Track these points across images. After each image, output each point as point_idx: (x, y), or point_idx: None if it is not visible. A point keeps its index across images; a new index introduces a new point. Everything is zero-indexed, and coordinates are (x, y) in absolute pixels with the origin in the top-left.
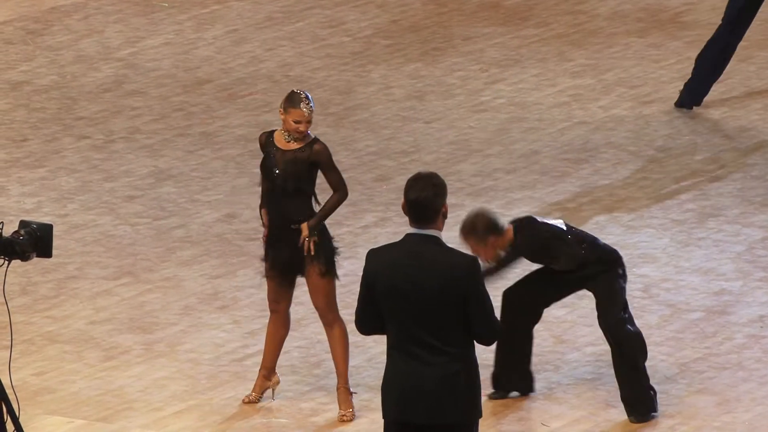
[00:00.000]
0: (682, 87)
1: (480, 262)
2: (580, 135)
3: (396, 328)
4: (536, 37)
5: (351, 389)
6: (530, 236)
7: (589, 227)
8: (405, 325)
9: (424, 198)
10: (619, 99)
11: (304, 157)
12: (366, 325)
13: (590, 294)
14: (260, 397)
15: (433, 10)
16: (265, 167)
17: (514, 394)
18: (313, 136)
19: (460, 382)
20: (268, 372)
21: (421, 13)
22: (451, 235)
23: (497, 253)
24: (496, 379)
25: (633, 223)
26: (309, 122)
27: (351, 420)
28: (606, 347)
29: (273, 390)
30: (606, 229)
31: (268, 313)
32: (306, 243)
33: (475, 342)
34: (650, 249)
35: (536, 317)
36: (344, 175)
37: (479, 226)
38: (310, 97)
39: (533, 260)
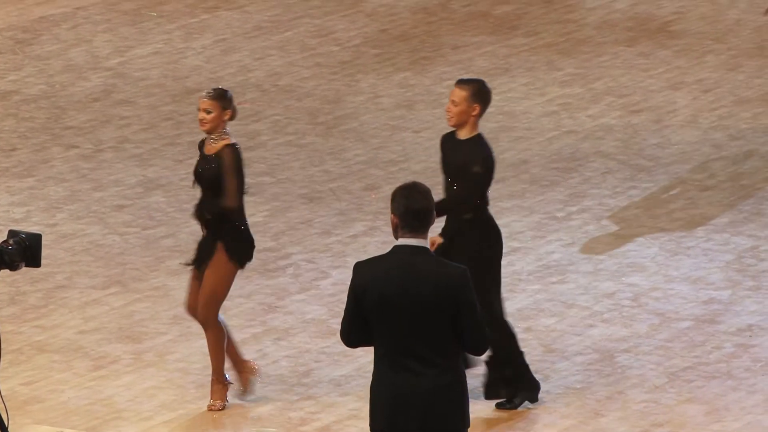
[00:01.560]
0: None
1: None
2: (569, 144)
3: (386, 339)
4: (525, 46)
5: (226, 381)
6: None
7: (579, 236)
8: (395, 337)
9: (427, 207)
10: (608, 108)
11: None
12: (353, 338)
13: (580, 303)
14: (248, 388)
15: (422, 19)
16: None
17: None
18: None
19: (450, 393)
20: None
21: (410, 22)
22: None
23: None
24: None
25: (622, 232)
26: (206, 112)
27: (218, 410)
28: (596, 356)
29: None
30: (595, 238)
31: (256, 322)
32: None
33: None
34: (639, 258)
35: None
36: (333, 185)
37: None
38: (215, 91)
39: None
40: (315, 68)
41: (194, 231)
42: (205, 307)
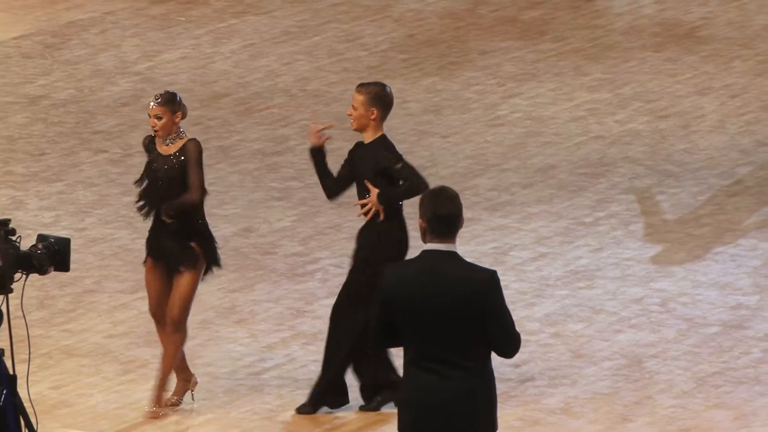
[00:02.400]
0: None
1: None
2: (597, 149)
3: (414, 343)
4: (553, 51)
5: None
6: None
7: (606, 241)
8: (423, 341)
9: (455, 212)
10: (636, 113)
11: None
12: (382, 341)
13: (608, 308)
14: (180, 400)
15: (450, 25)
16: None
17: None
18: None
19: (478, 397)
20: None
21: (438, 28)
22: (465, 250)
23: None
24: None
25: (650, 237)
26: (157, 118)
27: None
28: (624, 361)
29: (192, 392)
30: (623, 244)
31: (285, 327)
32: None
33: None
34: (667, 263)
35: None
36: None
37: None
38: (162, 96)
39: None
40: (343, 73)
41: (223, 235)
42: (181, 309)
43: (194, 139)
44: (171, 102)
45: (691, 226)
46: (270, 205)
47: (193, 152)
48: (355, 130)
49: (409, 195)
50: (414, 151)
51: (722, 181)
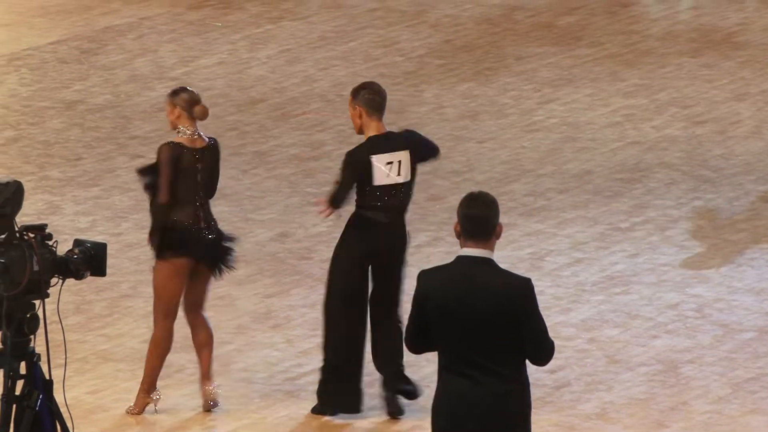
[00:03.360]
0: None
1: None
2: (633, 155)
3: (447, 348)
4: (589, 57)
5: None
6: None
7: (642, 247)
8: (456, 346)
9: (485, 215)
10: (672, 119)
11: None
12: (417, 344)
13: (644, 314)
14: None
15: (486, 30)
16: None
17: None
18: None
19: (512, 402)
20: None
21: (474, 33)
22: (501, 255)
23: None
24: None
25: (686, 243)
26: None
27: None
28: (660, 367)
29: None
30: (659, 249)
31: (320, 331)
32: None
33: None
34: (703, 269)
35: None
36: None
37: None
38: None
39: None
40: (379, 78)
41: (259, 240)
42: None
43: (166, 143)
44: (169, 96)
45: (726, 232)
46: (306, 210)
47: (159, 156)
48: (358, 134)
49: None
50: (450, 156)
51: (758, 186)
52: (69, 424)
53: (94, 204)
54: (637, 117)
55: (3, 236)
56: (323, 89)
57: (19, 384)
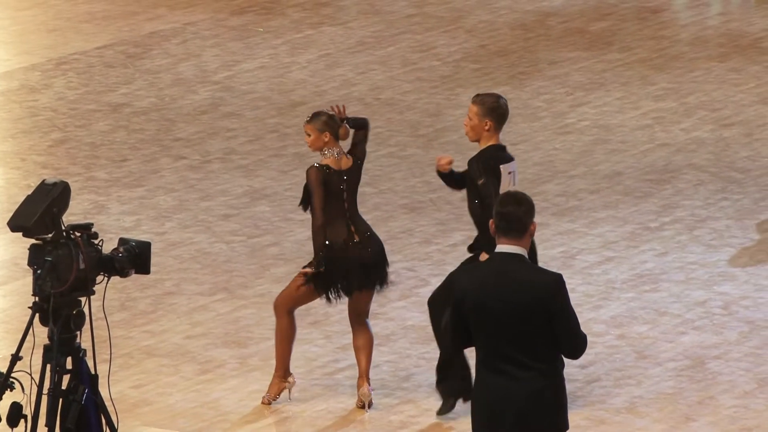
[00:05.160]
0: None
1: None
2: (663, 156)
3: (484, 344)
4: (620, 61)
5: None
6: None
7: (671, 246)
8: (493, 342)
9: (516, 211)
10: (701, 122)
11: None
12: (457, 341)
13: (673, 311)
14: (277, 398)
15: (520, 35)
16: None
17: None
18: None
19: (547, 397)
20: (285, 373)
21: (509, 38)
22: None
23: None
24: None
25: (714, 242)
26: (308, 135)
27: (266, 401)
28: (688, 362)
29: (290, 391)
30: (687, 248)
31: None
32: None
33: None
34: (730, 267)
35: None
36: (433, 195)
37: None
38: (312, 116)
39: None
40: (416, 82)
41: (298, 239)
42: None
43: (313, 166)
44: (313, 120)
45: (753, 231)
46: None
47: (310, 177)
48: (472, 140)
49: (483, 210)
50: None
51: None
52: (114, 418)
53: (139, 204)
54: (666, 120)
55: (50, 235)
56: (361, 93)
57: (66, 379)
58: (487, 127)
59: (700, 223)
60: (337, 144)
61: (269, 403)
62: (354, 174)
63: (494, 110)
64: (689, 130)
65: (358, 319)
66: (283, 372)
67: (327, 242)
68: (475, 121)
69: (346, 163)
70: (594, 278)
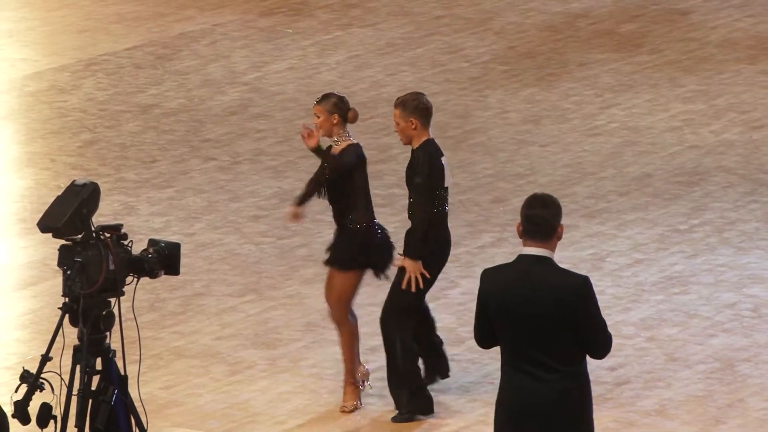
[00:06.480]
0: None
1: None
2: (692, 159)
3: (509, 345)
4: (649, 63)
5: (361, 384)
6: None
7: (700, 248)
8: (518, 344)
9: (544, 214)
10: (730, 124)
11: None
12: (483, 341)
13: (702, 313)
14: (357, 404)
15: (549, 37)
16: None
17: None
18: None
19: (573, 399)
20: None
21: (537, 40)
22: (563, 256)
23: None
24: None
25: (743, 244)
26: (317, 117)
27: (348, 411)
28: (717, 365)
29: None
30: (717, 251)
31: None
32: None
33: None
34: (759, 270)
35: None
36: (462, 197)
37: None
38: (322, 97)
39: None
40: (445, 84)
41: (327, 241)
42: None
43: (353, 144)
44: (323, 102)
45: None
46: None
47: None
48: (405, 144)
49: (414, 238)
50: (514, 160)
51: None
52: (143, 419)
53: (168, 205)
54: (695, 122)
55: (80, 236)
56: (390, 94)
57: (95, 379)
58: (413, 127)
59: (729, 226)
60: (345, 127)
61: (351, 411)
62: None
63: (416, 108)
64: (718, 133)
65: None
66: (353, 376)
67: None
68: (402, 125)
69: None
70: (623, 280)
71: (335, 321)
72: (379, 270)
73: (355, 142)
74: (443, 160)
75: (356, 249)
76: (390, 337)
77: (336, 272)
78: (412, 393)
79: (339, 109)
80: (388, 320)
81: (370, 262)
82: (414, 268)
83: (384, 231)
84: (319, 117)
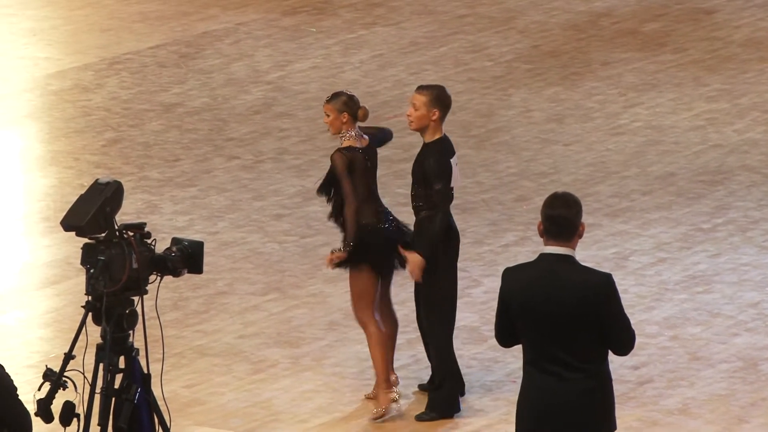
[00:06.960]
0: None
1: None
2: (715, 158)
3: (531, 344)
4: (673, 62)
5: (392, 391)
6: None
7: (724, 247)
8: (540, 342)
9: (567, 215)
10: (754, 123)
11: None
12: (504, 339)
13: (725, 312)
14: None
15: (573, 36)
16: None
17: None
18: (340, 143)
19: (595, 398)
20: (387, 381)
21: (561, 39)
22: (587, 254)
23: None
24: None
25: (766, 243)
26: (327, 115)
27: (375, 418)
28: (741, 364)
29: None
30: (740, 250)
31: (410, 329)
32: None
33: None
34: None
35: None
36: (485, 196)
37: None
38: (332, 96)
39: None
40: (468, 83)
41: None
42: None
43: (351, 147)
44: (333, 100)
45: None
46: (396, 210)
47: (336, 163)
48: (414, 130)
49: (430, 236)
50: (537, 159)
51: None
52: (166, 417)
53: (192, 203)
54: (719, 121)
55: (103, 234)
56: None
57: (118, 378)
58: (434, 117)
59: (753, 225)
60: (355, 125)
61: (381, 417)
62: (374, 154)
63: (442, 100)
64: (742, 132)
65: (389, 303)
66: (385, 381)
67: (364, 222)
68: (422, 111)
69: (365, 143)
70: (647, 279)
71: (358, 323)
72: (379, 270)
73: (357, 145)
74: (453, 160)
75: (354, 249)
76: (432, 334)
77: (349, 273)
78: (449, 395)
79: (349, 107)
80: (427, 318)
81: (370, 262)
82: (416, 264)
83: (390, 229)
84: (329, 115)
